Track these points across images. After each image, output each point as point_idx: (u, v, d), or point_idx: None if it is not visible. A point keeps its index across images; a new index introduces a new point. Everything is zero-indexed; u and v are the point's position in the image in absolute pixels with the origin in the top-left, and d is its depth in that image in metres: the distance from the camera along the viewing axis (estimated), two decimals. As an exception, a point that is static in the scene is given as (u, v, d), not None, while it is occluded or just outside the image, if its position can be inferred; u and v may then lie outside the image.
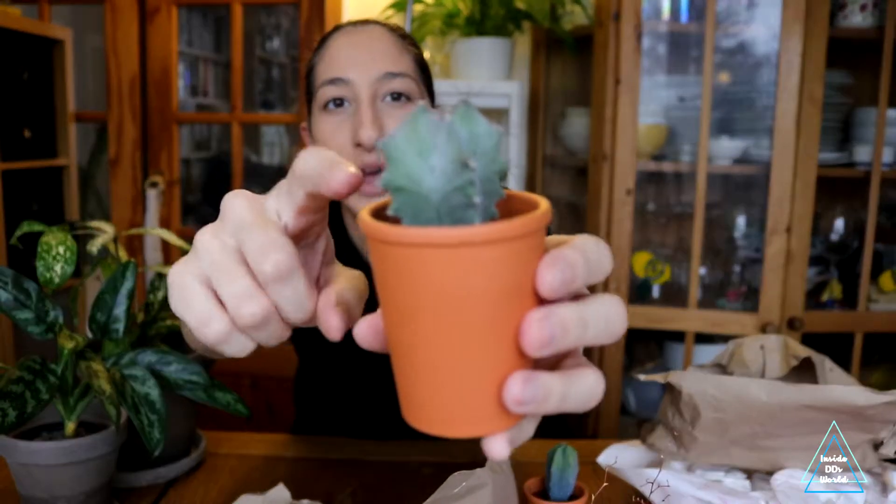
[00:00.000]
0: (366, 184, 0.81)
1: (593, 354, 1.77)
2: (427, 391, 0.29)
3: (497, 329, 0.27)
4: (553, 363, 0.32)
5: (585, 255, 0.29)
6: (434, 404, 0.29)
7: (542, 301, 0.29)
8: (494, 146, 0.28)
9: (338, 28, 0.89)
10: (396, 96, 0.83)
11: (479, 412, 0.28)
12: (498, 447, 0.29)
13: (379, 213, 0.30)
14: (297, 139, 2.44)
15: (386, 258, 0.27)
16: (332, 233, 1.04)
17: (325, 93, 0.83)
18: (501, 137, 0.28)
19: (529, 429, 0.31)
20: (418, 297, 0.27)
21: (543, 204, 0.29)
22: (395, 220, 0.28)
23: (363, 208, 0.30)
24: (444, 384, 0.28)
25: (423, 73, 0.90)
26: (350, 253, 0.96)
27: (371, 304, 0.32)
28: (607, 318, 0.30)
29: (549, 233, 0.98)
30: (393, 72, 0.83)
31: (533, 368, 0.29)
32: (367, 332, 0.32)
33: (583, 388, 0.29)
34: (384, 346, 0.32)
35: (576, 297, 0.30)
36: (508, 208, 0.30)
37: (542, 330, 0.27)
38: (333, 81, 0.82)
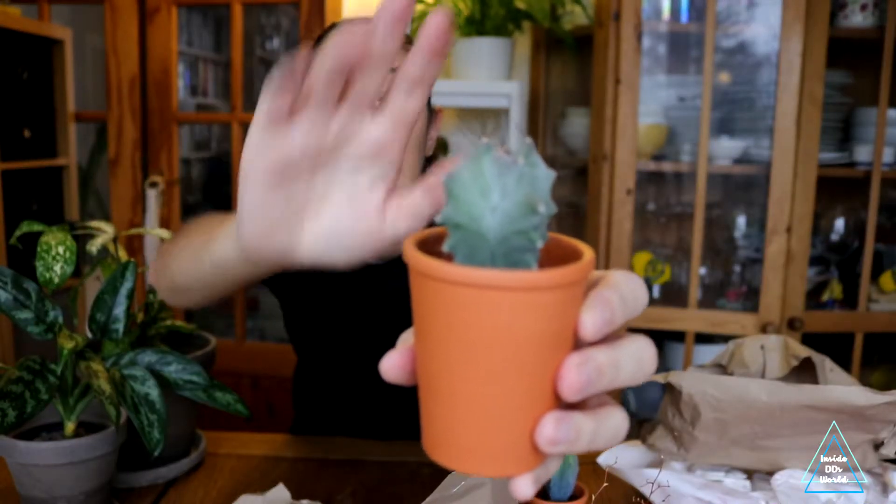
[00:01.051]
0: None
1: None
2: (459, 427, 0.29)
3: (538, 371, 0.28)
4: (579, 402, 0.31)
5: (622, 294, 0.29)
6: (465, 440, 0.29)
7: (578, 343, 0.29)
8: (549, 189, 0.28)
9: (337, 25, 0.90)
10: None
11: (509, 451, 0.29)
12: (524, 487, 0.29)
13: (421, 246, 0.30)
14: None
15: (436, 295, 0.27)
16: None
17: None
18: (553, 180, 0.28)
19: (553, 466, 0.31)
20: (466, 335, 0.27)
21: (588, 251, 0.29)
22: (439, 253, 0.28)
23: (407, 240, 0.29)
24: (478, 422, 0.28)
25: None
26: None
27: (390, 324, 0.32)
28: (640, 360, 0.30)
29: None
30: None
31: (562, 408, 0.29)
32: (395, 367, 0.32)
33: (611, 427, 0.30)
34: (409, 380, 0.32)
35: (609, 337, 0.30)
36: (545, 249, 0.31)
37: (581, 375, 0.28)
38: None
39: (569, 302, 0.27)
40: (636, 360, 0.30)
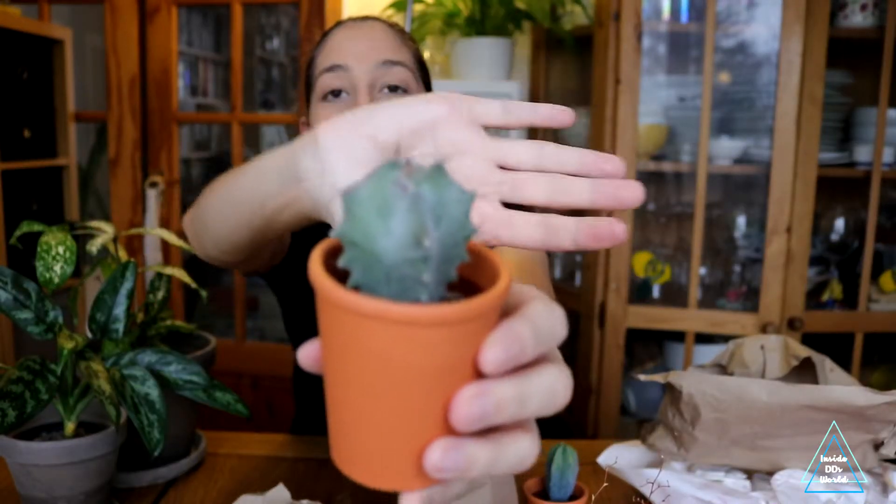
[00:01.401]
0: None
1: (593, 352, 1.77)
2: (353, 440, 0.29)
3: (431, 400, 0.27)
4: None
5: (535, 326, 0.28)
6: (358, 454, 0.29)
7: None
8: (465, 212, 0.27)
9: (339, 23, 0.90)
10: (394, 88, 0.84)
11: (400, 471, 0.28)
12: (410, 502, 0.29)
13: (330, 253, 0.30)
14: (295, 132, 2.44)
15: (328, 314, 0.27)
16: (331, 229, 1.02)
17: (323, 81, 0.84)
18: (473, 201, 0.27)
19: (457, 487, 0.31)
20: (355, 358, 0.27)
21: (501, 283, 0.27)
22: (340, 266, 0.28)
23: (316, 248, 0.29)
24: (370, 440, 0.28)
25: (422, 69, 0.91)
26: None
27: None
28: (551, 392, 0.28)
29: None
30: (391, 60, 0.84)
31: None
32: (310, 358, 0.31)
33: (513, 455, 0.28)
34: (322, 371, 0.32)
35: (521, 367, 0.29)
36: (474, 268, 0.30)
37: (472, 408, 0.26)
38: (332, 69, 0.83)
39: (464, 338, 0.26)
40: (547, 392, 0.28)
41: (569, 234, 0.37)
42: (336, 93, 0.84)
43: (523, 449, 0.29)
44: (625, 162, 0.39)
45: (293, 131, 2.53)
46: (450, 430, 0.27)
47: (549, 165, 0.40)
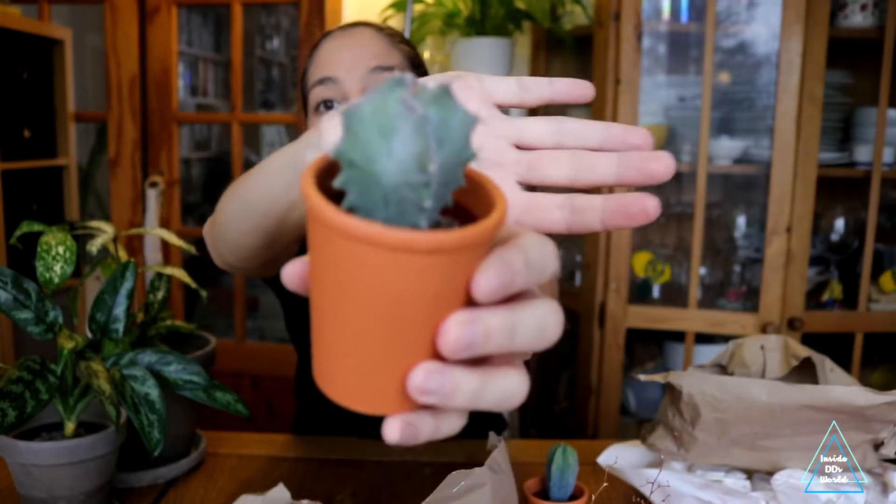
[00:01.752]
0: None
1: (593, 352, 1.77)
2: (338, 363, 0.28)
3: (420, 326, 0.27)
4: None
5: (528, 257, 0.27)
6: (343, 376, 0.28)
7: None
8: (466, 135, 0.26)
9: (328, 34, 0.90)
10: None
11: (381, 394, 0.28)
12: (391, 430, 0.28)
13: (324, 172, 0.28)
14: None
15: (320, 234, 0.26)
16: None
17: (315, 94, 0.85)
18: (475, 125, 0.27)
19: (451, 424, 0.29)
20: (345, 281, 0.26)
21: (497, 212, 0.27)
22: (335, 187, 0.27)
23: (309, 165, 0.28)
24: (354, 360, 0.27)
25: (418, 70, 0.91)
26: None
27: None
28: (541, 325, 0.28)
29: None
30: (382, 65, 0.84)
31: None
32: (296, 277, 0.30)
33: (501, 389, 0.28)
34: (306, 291, 0.31)
35: (512, 298, 0.28)
36: (469, 194, 0.30)
37: (461, 335, 0.26)
38: (322, 81, 0.84)
39: (459, 265, 0.26)
40: (538, 325, 0.28)
41: (596, 213, 0.34)
42: (328, 104, 0.85)
43: (511, 384, 0.28)
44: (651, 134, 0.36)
45: (293, 131, 2.53)
46: (437, 357, 0.27)
47: (570, 141, 0.37)
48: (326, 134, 0.39)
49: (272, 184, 0.48)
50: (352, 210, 0.26)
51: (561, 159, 0.37)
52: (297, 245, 0.76)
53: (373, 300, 0.26)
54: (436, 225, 0.28)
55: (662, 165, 0.34)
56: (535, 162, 0.37)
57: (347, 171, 0.26)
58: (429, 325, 0.27)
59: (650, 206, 0.33)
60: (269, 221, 0.51)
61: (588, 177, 0.36)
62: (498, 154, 0.37)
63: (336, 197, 0.26)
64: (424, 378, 0.26)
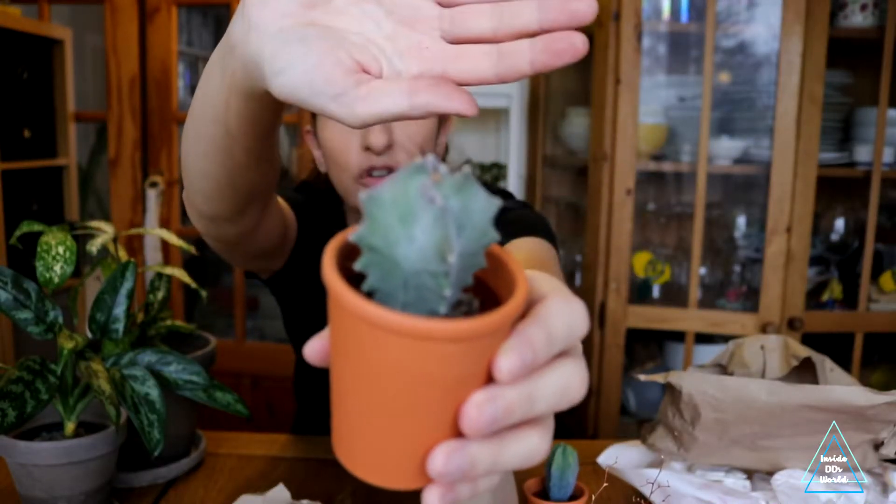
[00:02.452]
0: (374, 182, 0.82)
1: (593, 352, 1.77)
2: (357, 438, 0.29)
3: (442, 407, 0.27)
4: None
5: (550, 331, 0.27)
6: (361, 451, 0.29)
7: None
8: (488, 220, 0.27)
9: None
10: None
11: (405, 470, 0.28)
12: (431, 498, 0.28)
13: (343, 254, 0.29)
14: (297, 140, 2.44)
15: (342, 318, 0.27)
16: (333, 228, 1.01)
17: None
18: (496, 210, 0.27)
19: (488, 481, 0.30)
20: (366, 363, 0.26)
21: (518, 295, 0.27)
22: (354, 266, 0.28)
23: (328, 248, 0.28)
24: (376, 439, 0.28)
25: None
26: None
27: None
28: (563, 388, 0.28)
29: (552, 237, 0.93)
30: None
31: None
32: (318, 353, 0.31)
33: (520, 452, 0.28)
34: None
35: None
36: (490, 270, 0.30)
37: (482, 416, 0.26)
38: None
39: (475, 350, 0.26)
40: (559, 389, 0.28)
41: (524, 56, 0.34)
42: None
43: (531, 446, 0.28)
44: None
45: (293, 132, 2.53)
46: (458, 432, 0.27)
47: None
48: (250, 4, 0.38)
49: (212, 81, 0.48)
50: (371, 293, 0.27)
51: (482, 10, 0.36)
52: (262, 200, 0.74)
53: (393, 383, 0.26)
54: (457, 303, 0.28)
55: (584, 4, 0.34)
56: (457, 16, 0.36)
57: (368, 255, 0.26)
58: (450, 406, 0.27)
59: (578, 42, 0.33)
60: (218, 130, 0.51)
61: (511, 24, 0.35)
62: (420, 11, 0.37)
63: (354, 277, 0.27)
64: (445, 461, 0.27)
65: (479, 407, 0.26)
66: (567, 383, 0.28)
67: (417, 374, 0.26)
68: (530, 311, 0.29)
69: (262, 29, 0.37)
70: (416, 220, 0.25)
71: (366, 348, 0.26)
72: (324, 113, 0.36)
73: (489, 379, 0.27)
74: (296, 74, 0.35)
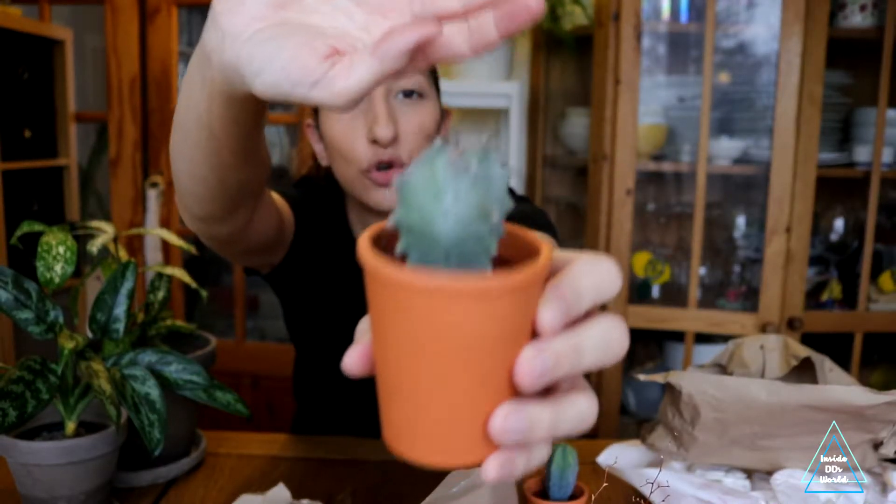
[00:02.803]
0: (380, 175, 0.82)
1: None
2: (416, 421, 0.29)
3: (493, 365, 0.28)
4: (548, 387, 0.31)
5: (578, 287, 0.29)
6: (425, 435, 0.29)
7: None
8: (504, 188, 0.29)
9: None
10: (408, 93, 0.84)
11: (466, 444, 0.29)
12: (490, 469, 0.30)
13: (377, 243, 0.30)
14: (296, 140, 2.44)
15: (387, 296, 0.28)
16: (335, 229, 1.02)
17: None
18: (510, 177, 0.29)
19: (540, 453, 0.31)
20: (418, 336, 0.27)
21: (546, 249, 0.29)
22: (392, 253, 0.29)
23: (362, 237, 0.29)
24: (436, 417, 0.29)
25: (431, 70, 0.91)
26: (350, 245, 0.98)
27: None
28: (606, 343, 0.30)
29: (553, 231, 0.95)
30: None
31: (525, 396, 0.30)
32: (358, 362, 0.32)
33: (573, 415, 0.30)
34: (373, 372, 0.32)
35: (575, 320, 0.30)
36: (502, 245, 0.31)
37: (535, 367, 0.28)
38: None
39: (523, 302, 0.28)
40: (603, 342, 0.30)
41: (490, 28, 0.35)
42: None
43: (583, 408, 0.30)
44: None
45: (293, 132, 2.53)
46: (513, 395, 0.29)
47: None
48: (217, 7, 0.39)
49: (192, 88, 0.49)
50: None
51: None
52: (253, 198, 0.73)
53: (452, 352, 0.27)
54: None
55: None
56: None
57: (407, 237, 0.28)
58: (503, 367, 0.28)
59: (532, 3, 0.34)
60: (203, 133, 0.52)
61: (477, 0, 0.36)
62: None
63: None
64: (504, 420, 0.28)
65: (530, 360, 0.28)
66: (609, 337, 0.30)
67: (473, 336, 0.27)
68: (560, 271, 0.30)
69: (235, 35, 0.38)
70: (449, 193, 0.27)
71: (421, 323, 0.27)
72: (308, 102, 0.36)
73: (533, 337, 0.29)
74: (274, 71, 0.36)
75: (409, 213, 0.28)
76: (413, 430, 0.29)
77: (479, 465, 0.30)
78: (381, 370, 0.30)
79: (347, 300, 1.01)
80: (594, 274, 0.30)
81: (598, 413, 0.31)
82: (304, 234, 0.93)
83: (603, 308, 0.34)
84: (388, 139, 0.80)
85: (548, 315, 0.28)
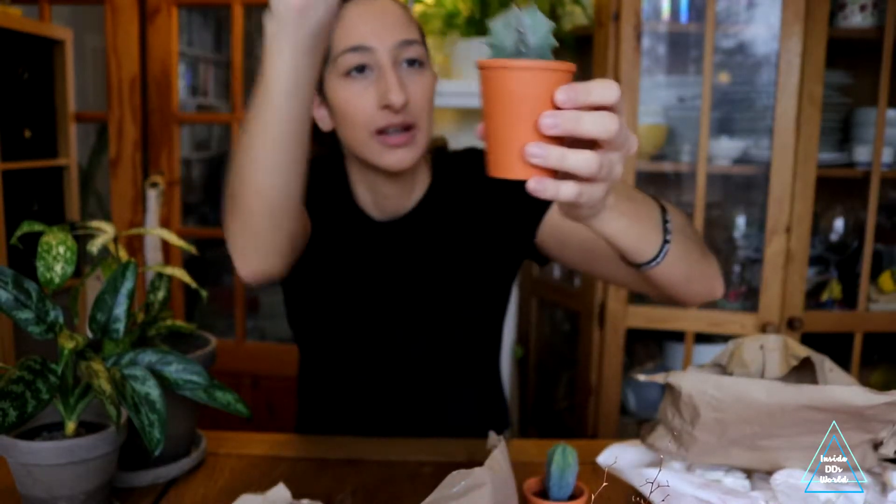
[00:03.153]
0: (396, 137, 0.88)
1: (593, 352, 1.77)
2: (494, 152, 0.54)
3: (533, 116, 0.52)
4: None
5: (591, 86, 0.53)
6: (498, 157, 0.54)
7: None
8: (547, 29, 0.54)
9: None
10: (411, 62, 0.89)
11: (519, 164, 0.53)
12: (531, 185, 0.53)
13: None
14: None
15: (492, 80, 0.53)
16: (337, 195, 1.08)
17: (346, 60, 0.87)
18: (552, 26, 0.55)
19: (567, 189, 0.54)
20: (504, 100, 0.53)
21: (568, 64, 0.54)
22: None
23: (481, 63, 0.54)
24: (506, 147, 0.53)
25: (424, 40, 0.95)
26: (355, 215, 1.00)
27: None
28: (601, 120, 0.52)
29: None
30: (408, 39, 0.89)
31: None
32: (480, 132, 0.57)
33: (581, 158, 0.53)
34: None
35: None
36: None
37: (546, 121, 0.52)
38: (356, 49, 0.86)
39: (549, 80, 0.52)
40: (598, 119, 0.52)
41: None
42: (360, 68, 0.87)
43: (587, 155, 0.53)
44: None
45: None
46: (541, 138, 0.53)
47: None
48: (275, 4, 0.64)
49: (274, 94, 0.68)
50: None
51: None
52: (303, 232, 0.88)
53: (509, 101, 0.52)
54: None
55: None
56: None
57: (495, 51, 0.55)
58: (535, 118, 0.52)
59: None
60: (290, 127, 0.70)
61: None
62: None
63: None
64: (529, 147, 0.52)
65: (545, 118, 0.52)
66: (604, 119, 0.52)
67: (526, 95, 0.52)
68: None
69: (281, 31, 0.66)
70: (508, 27, 0.54)
71: (502, 90, 0.52)
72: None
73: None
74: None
75: (496, 41, 0.55)
76: (496, 157, 0.54)
77: (519, 178, 0.54)
78: (487, 128, 0.55)
79: (349, 296, 1.01)
80: (601, 83, 0.53)
81: (617, 123, 0.53)
82: (313, 211, 0.94)
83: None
84: (400, 104, 0.85)
85: (560, 95, 0.52)
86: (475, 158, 1.03)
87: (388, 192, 0.97)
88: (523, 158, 0.52)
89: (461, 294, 1.02)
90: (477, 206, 1.01)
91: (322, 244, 0.98)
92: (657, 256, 0.71)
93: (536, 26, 0.53)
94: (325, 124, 0.93)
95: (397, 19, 0.89)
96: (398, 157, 0.88)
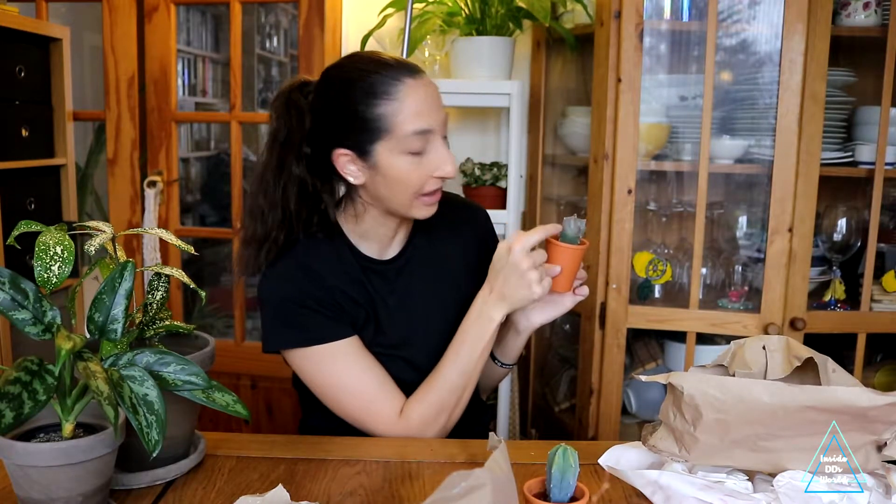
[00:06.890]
0: (432, 196, 1.02)
1: (594, 352, 1.76)
2: (559, 282, 1.00)
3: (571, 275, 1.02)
4: None
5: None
6: (559, 284, 1.01)
7: None
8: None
9: (393, 74, 0.97)
10: (444, 137, 1.03)
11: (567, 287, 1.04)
12: (581, 293, 1.02)
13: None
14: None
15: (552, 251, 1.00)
16: (344, 254, 1.15)
17: (415, 142, 0.97)
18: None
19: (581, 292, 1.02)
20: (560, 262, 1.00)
21: (587, 244, 0.98)
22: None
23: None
24: (563, 283, 1.02)
25: None
26: (362, 259, 1.07)
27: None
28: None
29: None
30: (446, 115, 1.03)
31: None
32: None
33: (584, 289, 1.02)
34: None
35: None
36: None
37: (581, 290, 1.04)
38: (423, 133, 0.98)
39: (579, 255, 1.02)
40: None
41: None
42: (418, 152, 0.98)
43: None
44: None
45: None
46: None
47: None
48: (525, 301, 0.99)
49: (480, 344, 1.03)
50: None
51: None
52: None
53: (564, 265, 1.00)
54: None
55: None
56: None
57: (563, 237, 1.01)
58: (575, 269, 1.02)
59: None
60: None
61: None
62: None
63: None
64: (583, 290, 1.07)
65: (578, 288, 1.05)
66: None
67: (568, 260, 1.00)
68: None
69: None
70: (571, 225, 1.01)
71: (561, 259, 1.00)
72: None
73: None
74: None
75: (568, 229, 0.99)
76: (557, 285, 1.01)
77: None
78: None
79: (350, 303, 1.02)
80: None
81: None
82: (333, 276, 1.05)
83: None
84: (454, 176, 1.02)
85: (583, 290, 1.03)
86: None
87: (390, 233, 1.08)
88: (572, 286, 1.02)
89: (460, 306, 1.08)
90: (454, 236, 1.16)
91: (324, 278, 1.05)
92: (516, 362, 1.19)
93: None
94: (357, 179, 1.01)
95: (439, 96, 1.02)
96: (432, 209, 1.04)
